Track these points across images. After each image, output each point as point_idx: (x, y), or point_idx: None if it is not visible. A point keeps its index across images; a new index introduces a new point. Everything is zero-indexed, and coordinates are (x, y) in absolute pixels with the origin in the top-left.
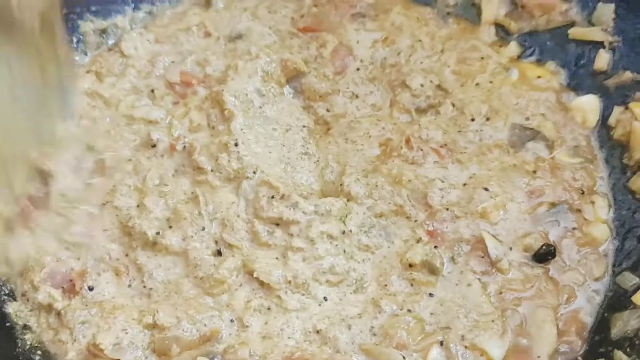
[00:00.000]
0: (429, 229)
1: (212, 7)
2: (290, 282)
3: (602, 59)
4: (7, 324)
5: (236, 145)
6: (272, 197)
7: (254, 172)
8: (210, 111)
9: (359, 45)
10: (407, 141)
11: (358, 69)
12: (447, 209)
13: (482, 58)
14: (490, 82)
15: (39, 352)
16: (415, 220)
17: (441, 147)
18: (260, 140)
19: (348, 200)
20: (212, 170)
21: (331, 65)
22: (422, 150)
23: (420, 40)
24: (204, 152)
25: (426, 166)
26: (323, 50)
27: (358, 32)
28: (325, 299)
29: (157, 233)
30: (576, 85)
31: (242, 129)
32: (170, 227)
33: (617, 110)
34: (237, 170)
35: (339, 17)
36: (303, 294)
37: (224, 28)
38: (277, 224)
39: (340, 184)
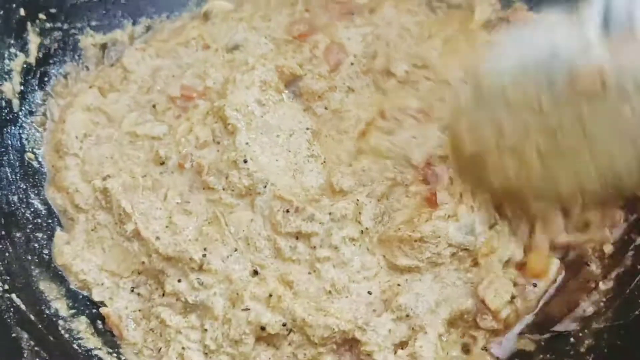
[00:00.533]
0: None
1: (210, 19)
2: (330, 292)
3: None
4: None
5: (245, 162)
6: (287, 210)
7: (265, 187)
8: (214, 126)
9: (351, 42)
10: (382, 114)
11: (352, 64)
12: (428, 162)
13: (469, 39)
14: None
15: None
16: (407, 185)
17: (418, 112)
18: (266, 149)
19: (343, 196)
20: (223, 189)
21: (325, 64)
22: (397, 119)
23: (409, 29)
24: (212, 171)
25: (402, 132)
26: (316, 51)
27: (348, 29)
28: (369, 292)
29: (204, 255)
30: None
31: (247, 143)
32: (205, 249)
33: None
34: (248, 186)
35: (329, 18)
36: (347, 296)
37: (221, 39)
38: (297, 238)
39: (331, 185)
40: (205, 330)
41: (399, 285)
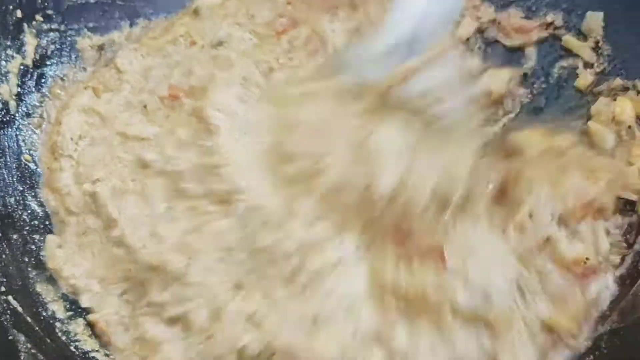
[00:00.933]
0: None
1: (199, 15)
2: (315, 319)
3: (585, 79)
4: None
5: (224, 167)
6: (265, 223)
7: (244, 194)
8: (196, 127)
9: (335, 34)
10: None
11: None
12: None
13: None
14: None
15: None
16: None
17: None
18: (249, 149)
19: None
20: (203, 196)
21: (303, 54)
22: None
23: None
24: (191, 177)
25: None
26: (295, 42)
27: (332, 23)
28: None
29: (186, 266)
30: None
31: (228, 146)
32: (190, 258)
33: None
34: (228, 192)
35: (313, 12)
36: (334, 325)
37: (207, 36)
38: (276, 258)
39: None
40: (190, 342)
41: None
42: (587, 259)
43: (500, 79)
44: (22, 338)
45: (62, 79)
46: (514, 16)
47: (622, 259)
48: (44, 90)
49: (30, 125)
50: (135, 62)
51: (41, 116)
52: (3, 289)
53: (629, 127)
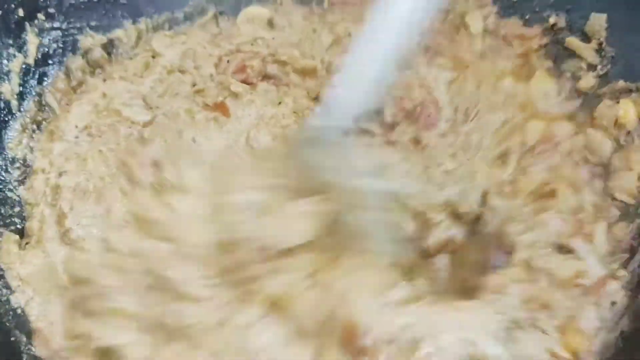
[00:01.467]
0: None
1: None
2: None
3: (588, 81)
4: None
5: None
6: None
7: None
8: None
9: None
10: None
11: None
12: None
13: None
14: None
15: None
16: None
17: None
18: None
19: None
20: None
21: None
22: None
23: None
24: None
25: None
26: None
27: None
28: None
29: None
30: None
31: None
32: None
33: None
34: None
35: None
36: None
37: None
38: None
39: None
40: None
41: None
42: None
43: None
44: (24, 339)
45: (66, 75)
46: (513, 25)
47: (627, 264)
48: (46, 88)
49: (32, 124)
50: (171, 48)
51: (41, 111)
52: (4, 290)
53: (628, 132)
